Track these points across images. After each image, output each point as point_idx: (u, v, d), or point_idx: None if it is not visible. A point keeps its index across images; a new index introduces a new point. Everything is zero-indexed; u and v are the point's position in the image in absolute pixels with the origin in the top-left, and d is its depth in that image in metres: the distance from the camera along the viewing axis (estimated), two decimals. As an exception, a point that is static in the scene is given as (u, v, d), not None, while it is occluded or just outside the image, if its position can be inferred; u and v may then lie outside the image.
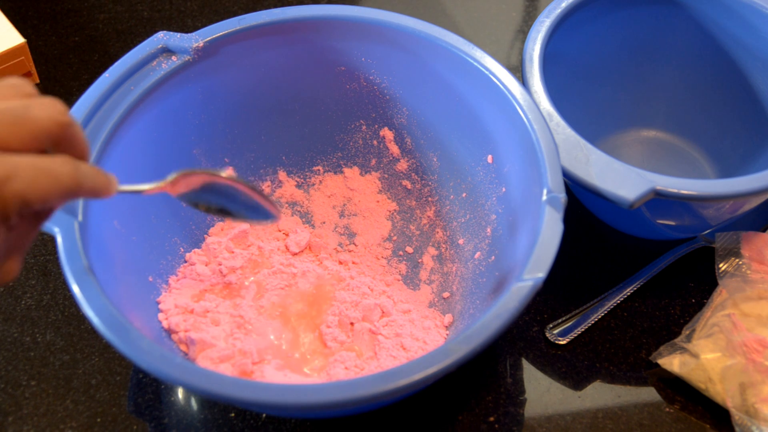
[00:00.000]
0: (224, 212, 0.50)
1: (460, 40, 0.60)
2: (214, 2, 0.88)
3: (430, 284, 0.65)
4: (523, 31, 0.86)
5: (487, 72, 0.58)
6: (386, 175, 0.69)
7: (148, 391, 0.59)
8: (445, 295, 0.63)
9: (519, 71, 0.79)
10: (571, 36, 0.67)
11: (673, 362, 0.59)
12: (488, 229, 0.61)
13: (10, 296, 0.64)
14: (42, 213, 0.41)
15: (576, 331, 0.63)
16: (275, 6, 0.88)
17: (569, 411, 0.59)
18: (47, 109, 0.38)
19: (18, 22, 0.83)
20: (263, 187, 0.68)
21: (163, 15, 0.86)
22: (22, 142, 0.37)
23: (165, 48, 0.59)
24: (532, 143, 0.54)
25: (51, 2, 0.87)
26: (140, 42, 0.59)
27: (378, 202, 0.69)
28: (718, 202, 0.59)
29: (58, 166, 0.38)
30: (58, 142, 0.39)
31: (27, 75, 0.77)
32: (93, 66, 0.80)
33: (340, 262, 0.65)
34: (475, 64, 0.59)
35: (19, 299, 0.64)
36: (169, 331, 0.57)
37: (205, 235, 0.64)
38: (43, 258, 0.66)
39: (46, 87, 0.78)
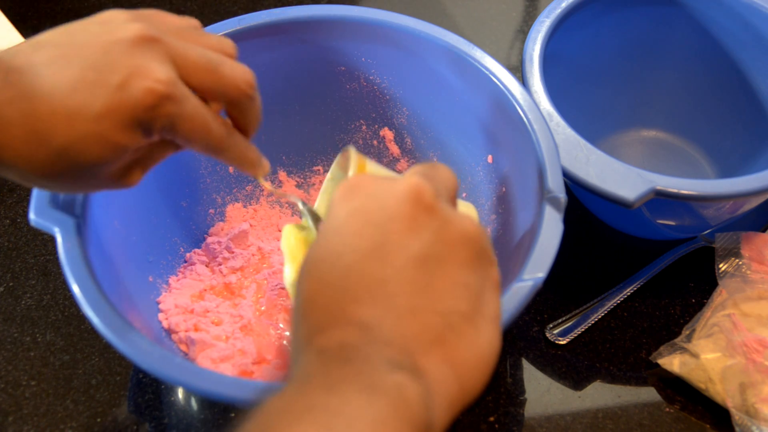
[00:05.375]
0: None
1: (460, 40, 0.60)
2: (214, 2, 0.88)
3: (430, 284, 0.64)
4: (523, 31, 0.86)
5: (487, 72, 0.58)
6: (386, 175, 0.69)
7: (148, 391, 0.59)
8: (445, 295, 0.63)
9: (519, 71, 0.78)
10: (571, 36, 0.67)
11: (673, 362, 0.59)
12: (488, 230, 0.61)
13: (10, 296, 0.64)
14: (179, 146, 0.44)
15: (576, 331, 0.63)
16: (275, 6, 0.88)
17: (569, 411, 0.59)
18: (238, 74, 0.43)
19: (18, 22, 0.83)
20: (263, 187, 0.68)
21: (163, 15, 0.86)
22: (202, 87, 0.42)
23: (165, 48, 0.58)
24: (532, 143, 0.54)
25: (51, 2, 0.87)
26: (140, 42, 0.58)
27: (378, 202, 0.69)
28: (718, 202, 0.59)
29: (216, 124, 0.42)
30: (233, 105, 0.44)
31: (27, 75, 0.77)
32: (93, 66, 0.80)
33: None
34: (475, 63, 0.59)
35: (19, 299, 0.64)
36: (169, 331, 0.57)
37: (205, 235, 0.64)
38: (43, 258, 0.66)
39: (46, 87, 0.77)
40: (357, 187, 0.38)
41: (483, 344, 0.36)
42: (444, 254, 0.36)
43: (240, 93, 0.43)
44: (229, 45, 0.45)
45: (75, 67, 0.39)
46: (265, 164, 0.47)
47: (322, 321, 0.34)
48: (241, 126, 0.45)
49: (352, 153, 0.45)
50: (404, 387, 0.32)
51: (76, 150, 0.39)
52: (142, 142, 0.41)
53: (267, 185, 0.51)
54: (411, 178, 0.37)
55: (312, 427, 0.30)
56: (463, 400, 0.35)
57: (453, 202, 0.40)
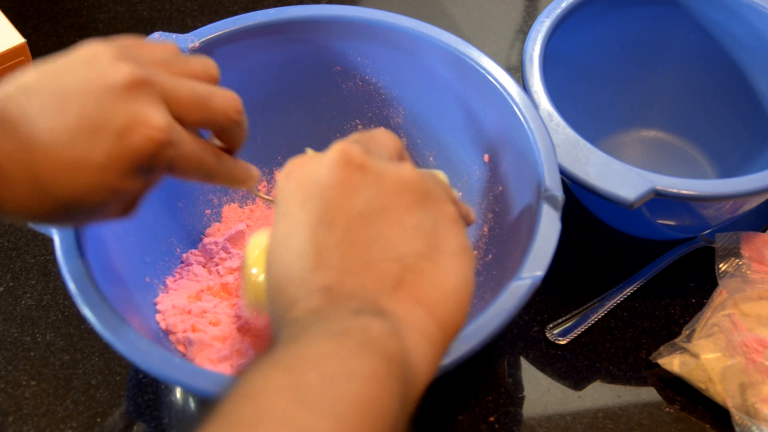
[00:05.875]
0: None
1: (457, 39, 0.60)
2: (214, 2, 0.88)
3: (429, 284, 0.64)
4: (523, 31, 0.86)
5: (482, 70, 0.58)
6: (384, 175, 0.69)
7: (148, 391, 0.59)
8: (445, 295, 0.63)
9: (519, 71, 0.78)
10: (571, 36, 0.67)
11: (673, 362, 0.59)
12: (485, 228, 0.61)
13: (10, 296, 0.64)
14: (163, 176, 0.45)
15: (576, 331, 0.63)
16: (275, 6, 0.88)
17: (569, 411, 0.59)
18: (227, 103, 0.44)
19: (18, 22, 0.83)
20: (260, 188, 0.68)
21: (163, 15, 0.86)
22: (193, 121, 0.43)
23: (162, 49, 0.58)
24: (528, 141, 0.54)
25: (51, 2, 0.87)
26: (140, 42, 0.58)
27: (376, 201, 0.68)
28: (718, 202, 0.59)
29: (207, 155, 0.44)
30: (222, 131, 0.45)
31: (27, 75, 0.77)
32: (93, 66, 0.80)
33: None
34: (471, 62, 0.59)
35: (19, 299, 0.64)
36: (167, 332, 0.57)
37: (202, 236, 0.64)
38: (43, 258, 0.66)
39: (46, 87, 0.77)
40: (293, 170, 0.40)
41: (448, 277, 0.37)
42: (386, 204, 0.38)
43: (230, 121, 0.44)
44: (211, 66, 0.46)
45: (71, 117, 0.39)
46: (254, 175, 0.49)
47: (290, 298, 0.36)
48: (228, 145, 0.47)
49: (309, 152, 0.46)
50: (368, 326, 0.33)
51: (80, 199, 0.40)
52: (142, 183, 0.42)
53: (258, 194, 0.53)
54: (337, 144, 0.39)
55: (278, 373, 0.31)
56: (444, 335, 0.37)
57: (397, 159, 0.42)
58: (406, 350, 0.34)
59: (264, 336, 0.59)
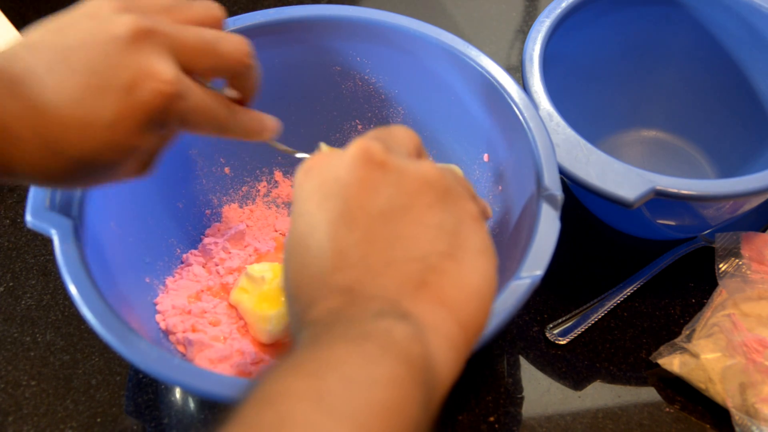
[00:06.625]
0: None
1: (455, 38, 0.60)
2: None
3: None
4: (523, 31, 0.86)
5: (482, 70, 0.58)
6: (383, 175, 0.69)
7: (147, 391, 0.59)
8: (445, 294, 0.63)
9: (519, 71, 0.79)
10: (571, 36, 0.67)
11: (673, 362, 0.59)
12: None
13: (10, 296, 0.64)
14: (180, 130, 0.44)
15: (576, 331, 0.63)
16: (275, 6, 0.88)
17: (569, 411, 0.59)
18: (236, 47, 0.42)
19: (18, 22, 0.83)
20: (259, 188, 0.68)
21: (163, 15, 0.86)
22: (202, 69, 0.42)
23: (162, 49, 0.58)
24: (528, 141, 0.54)
25: (51, 2, 0.86)
26: (140, 42, 0.58)
27: (375, 201, 0.68)
28: (718, 202, 0.59)
29: (219, 107, 0.43)
30: (233, 77, 0.44)
31: (27, 75, 0.77)
32: (93, 66, 0.80)
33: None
34: (470, 62, 0.59)
35: (19, 299, 0.64)
36: (167, 332, 0.57)
37: (202, 236, 0.64)
38: (43, 258, 0.67)
39: (46, 87, 0.77)
40: (312, 168, 0.39)
41: (471, 277, 0.36)
42: (407, 203, 0.37)
43: (240, 65, 0.43)
44: (216, 9, 0.44)
45: (77, 73, 0.38)
46: (269, 126, 0.47)
47: (309, 298, 0.35)
48: (242, 94, 0.45)
49: (323, 147, 0.46)
50: (391, 329, 0.32)
51: (92, 158, 0.39)
52: (156, 139, 0.41)
53: (279, 146, 0.52)
54: (357, 141, 0.38)
55: (299, 377, 0.30)
56: (467, 337, 0.36)
57: (415, 156, 0.41)
58: (429, 354, 0.33)
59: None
